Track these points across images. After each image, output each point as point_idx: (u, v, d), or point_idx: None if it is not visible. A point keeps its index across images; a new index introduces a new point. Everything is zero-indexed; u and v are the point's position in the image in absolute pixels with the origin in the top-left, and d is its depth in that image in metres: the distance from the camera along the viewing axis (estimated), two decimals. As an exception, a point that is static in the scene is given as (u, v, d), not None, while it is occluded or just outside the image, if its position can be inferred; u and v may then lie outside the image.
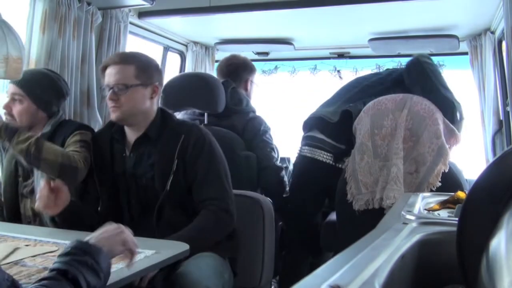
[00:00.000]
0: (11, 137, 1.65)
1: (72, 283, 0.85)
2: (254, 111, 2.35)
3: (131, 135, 1.67)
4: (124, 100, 1.58)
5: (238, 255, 1.71)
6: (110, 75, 1.60)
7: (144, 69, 1.62)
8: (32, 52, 2.09)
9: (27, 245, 1.24)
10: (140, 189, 1.63)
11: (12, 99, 1.81)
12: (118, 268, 1.05)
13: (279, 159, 2.32)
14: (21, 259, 1.11)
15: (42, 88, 1.84)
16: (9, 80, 1.85)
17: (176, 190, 1.58)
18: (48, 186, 1.43)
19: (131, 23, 2.58)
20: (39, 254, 1.16)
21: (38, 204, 1.46)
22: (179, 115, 2.32)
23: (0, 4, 1.80)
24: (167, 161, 1.59)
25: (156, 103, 1.68)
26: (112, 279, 0.98)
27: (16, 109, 1.81)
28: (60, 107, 1.92)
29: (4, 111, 1.82)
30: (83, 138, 1.77)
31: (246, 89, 2.49)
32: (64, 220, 1.54)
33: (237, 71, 2.45)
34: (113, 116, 1.61)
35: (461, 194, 1.16)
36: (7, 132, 1.66)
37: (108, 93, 1.60)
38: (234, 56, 2.58)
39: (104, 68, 1.63)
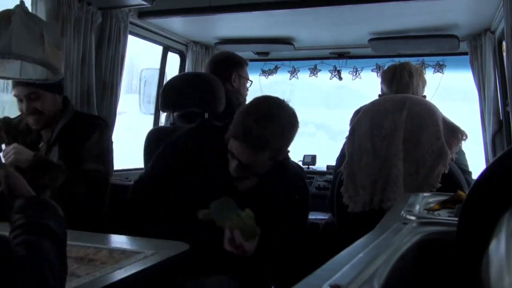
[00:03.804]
0: (43, 173, 1.79)
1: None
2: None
3: None
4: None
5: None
6: (241, 153, 1.47)
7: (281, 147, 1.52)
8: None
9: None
10: None
11: (29, 99, 1.84)
12: (117, 269, 1.05)
13: None
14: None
15: None
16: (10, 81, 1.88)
17: None
18: None
19: (131, 23, 2.59)
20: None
21: None
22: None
23: (3, 7, 1.80)
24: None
25: None
26: (111, 279, 0.98)
27: (39, 104, 1.85)
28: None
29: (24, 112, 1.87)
30: (104, 140, 1.91)
31: (232, 86, 2.35)
32: None
33: (219, 68, 2.34)
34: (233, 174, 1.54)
35: (461, 194, 1.16)
36: (38, 167, 1.78)
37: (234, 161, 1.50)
38: (219, 53, 2.54)
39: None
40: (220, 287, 1.49)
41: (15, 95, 1.87)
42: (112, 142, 2.05)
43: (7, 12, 1.51)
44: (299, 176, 1.72)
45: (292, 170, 1.69)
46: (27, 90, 1.83)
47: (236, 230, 1.39)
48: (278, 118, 1.45)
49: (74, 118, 1.94)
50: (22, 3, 1.74)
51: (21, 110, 1.87)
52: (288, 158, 1.69)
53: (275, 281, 2.04)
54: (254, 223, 1.40)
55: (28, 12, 1.73)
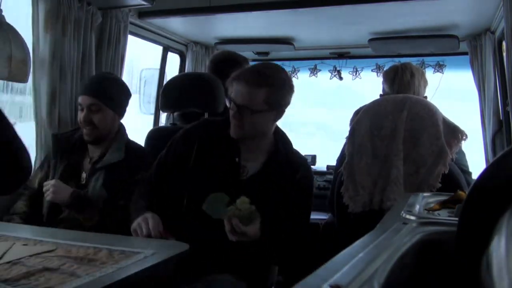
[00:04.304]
0: (78, 211, 1.79)
1: None
2: None
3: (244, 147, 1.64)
4: (248, 123, 1.56)
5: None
6: (238, 93, 1.54)
7: (275, 93, 1.55)
8: (37, 52, 2.10)
9: (24, 244, 1.24)
10: None
11: (89, 110, 1.87)
12: (117, 269, 1.05)
13: None
14: (19, 259, 1.11)
15: (115, 94, 1.93)
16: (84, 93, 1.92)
17: None
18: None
19: (131, 23, 2.58)
20: (36, 254, 1.15)
21: None
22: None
23: (3, 7, 1.80)
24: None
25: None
26: (111, 279, 0.98)
27: (96, 118, 1.89)
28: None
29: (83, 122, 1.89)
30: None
31: None
32: None
33: (219, 68, 2.36)
34: (232, 133, 1.59)
35: (461, 194, 1.16)
36: (75, 205, 1.78)
37: (232, 110, 1.56)
38: (220, 52, 2.55)
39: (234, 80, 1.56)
40: (227, 286, 1.50)
41: (79, 103, 1.92)
42: None
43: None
44: (304, 161, 1.77)
45: (297, 154, 1.75)
46: (90, 101, 1.87)
47: (234, 218, 1.39)
48: (274, 70, 1.59)
49: (126, 148, 1.93)
50: (-1, 11, 1.73)
51: (79, 119, 1.90)
52: (292, 146, 1.74)
53: (284, 274, 2.06)
54: (250, 207, 1.40)
55: (3, 22, 1.74)
